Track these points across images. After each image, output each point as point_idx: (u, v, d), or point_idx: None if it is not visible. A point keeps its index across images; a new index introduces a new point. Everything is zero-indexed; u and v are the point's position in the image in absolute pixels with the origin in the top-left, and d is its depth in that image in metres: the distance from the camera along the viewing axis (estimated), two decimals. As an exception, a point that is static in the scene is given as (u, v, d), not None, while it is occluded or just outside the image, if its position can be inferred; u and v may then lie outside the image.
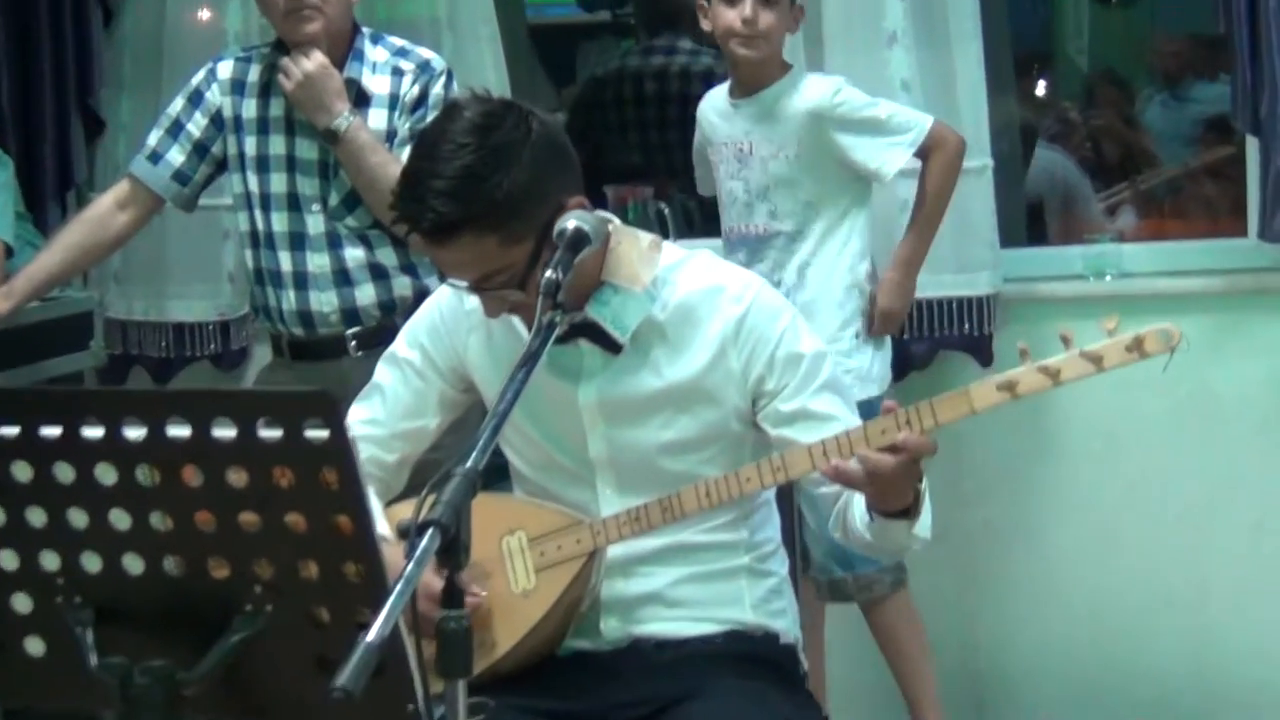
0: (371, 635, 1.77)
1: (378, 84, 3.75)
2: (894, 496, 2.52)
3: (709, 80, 5.16)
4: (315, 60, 3.67)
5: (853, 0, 4.23)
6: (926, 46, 4.16)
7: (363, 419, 2.87)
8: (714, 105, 4.03)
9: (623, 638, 2.75)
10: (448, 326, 2.81)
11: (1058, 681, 4.39)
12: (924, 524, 2.61)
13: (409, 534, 1.93)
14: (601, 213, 2.69)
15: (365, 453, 2.84)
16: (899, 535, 2.60)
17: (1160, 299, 4.19)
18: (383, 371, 2.89)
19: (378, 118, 3.73)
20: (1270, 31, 3.96)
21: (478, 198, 2.46)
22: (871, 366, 3.93)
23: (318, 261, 3.76)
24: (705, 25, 3.90)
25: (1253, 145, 4.19)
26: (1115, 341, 2.44)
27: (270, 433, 1.95)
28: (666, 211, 4.39)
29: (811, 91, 3.90)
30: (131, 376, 4.76)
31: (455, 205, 2.46)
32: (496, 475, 3.41)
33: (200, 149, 3.85)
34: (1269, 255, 4.18)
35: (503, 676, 2.71)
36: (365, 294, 3.77)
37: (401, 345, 2.87)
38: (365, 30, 3.82)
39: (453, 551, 1.95)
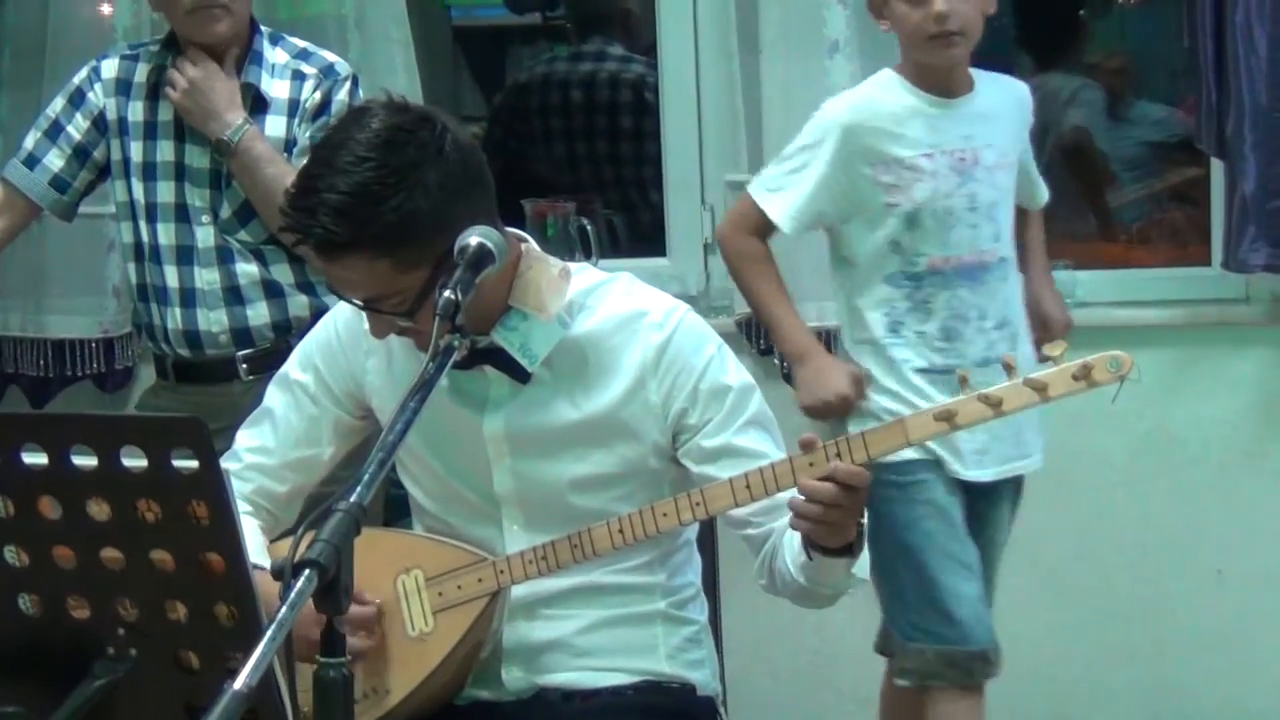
0: (238, 683, 1.76)
1: (277, 89, 3.74)
2: (837, 530, 2.52)
3: (639, 89, 5.20)
4: (203, 66, 3.66)
5: (792, 6, 4.24)
6: (870, 56, 4.15)
7: (251, 446, 2.87)
8: (890, 108, 3.52)
9: (526, 688, 2.76)
10: (344, 347, 2.81)
11: (1005, 740, 4.40)
12: (862, 564, 2.63)
13: (283, 575, 1.91)
14: (515, 231, 2.70)
15: (253, 483, 2.84)
16: (835, 575, 2.61)
17: (1117, 330, 4.21)
18: (273, 395, 2.88)
19: (276, 125, 3.72)
20: (1237, 49, 3.99)
21: (370, 220, 2.44)
22: None
23: (206, 277, 3.74)
24: (883, 26, 3.55)
25: (1217, 169, 4.23)
26: (1061, 369, 2.45)
27: (134, 462, 1.94)
28: (589, 229, 4.37)
29: (1015, 90, 3.67)
30: (6, 398, 4.72)
31: (345, 225, 2.44)
32: (396, 509, 3.42)
33: (81, 153, 3.82)
34: (1233, 286, 4.23)
35: (395, 728, 2.71)
36: (258, 313, 3.75)
37: (294, 366, 2.86)
38: (264, 30, 3.80)
39: (331, 594, 1.94)
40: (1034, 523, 4.30)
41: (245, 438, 2.88)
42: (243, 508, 2.81)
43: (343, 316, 2.81)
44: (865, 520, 2.56)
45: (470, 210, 2.49)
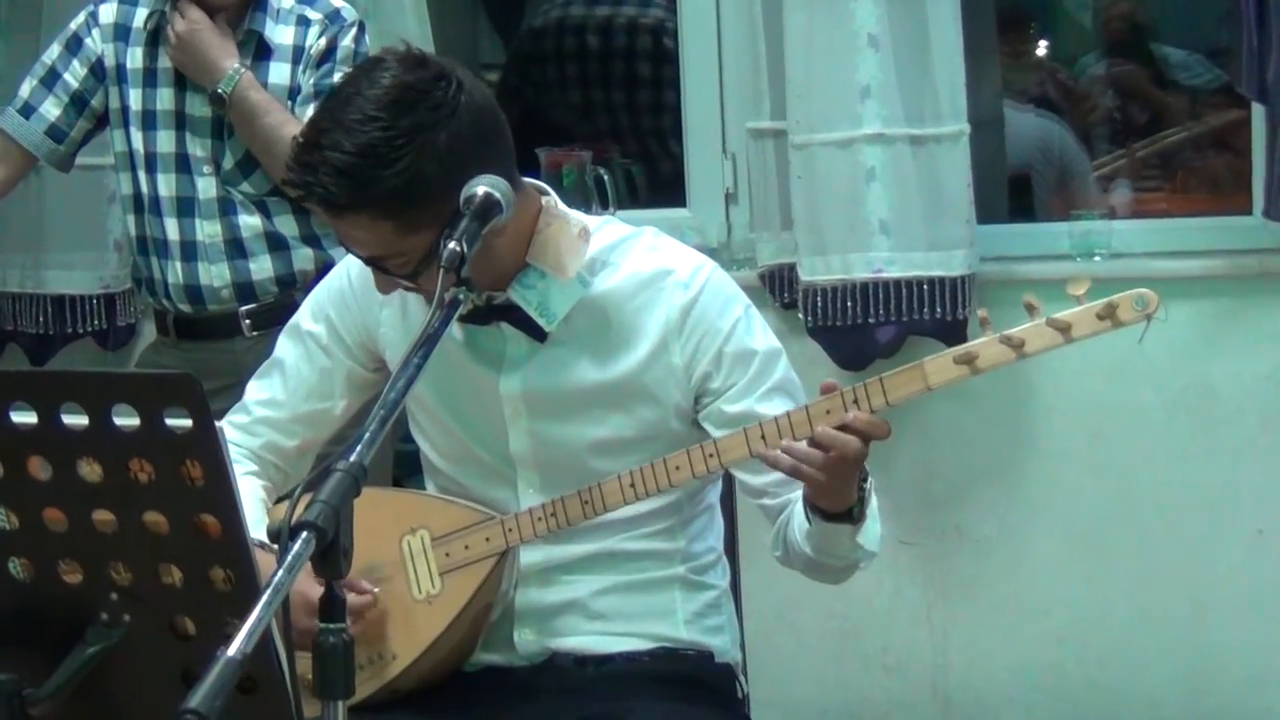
0: (232, 650, 1.75)
1: (281, 35, 3.73)
2: (836, 492, 2.51)
3: (658, 35, 5.17)
4: (191, 18, 3.64)
5: (816, -53, 4.21)
6: (898, -1, 4.15)
7: (260, 400, 2.86)
8: None
9: (539, 652, 2.75)
10: (358, 297, 2.78)
11: (1038, 707, 4.40)
12: (870, 534, 2.60)
13: (280, 538, 1.90)
14: (536, 183, 2.68)
15: (262, 438, 2.84)
16: (841, 543, 2.59)
17: (1153, 282, 4.10)
18: (284, 346, 2.86)
19: (280, 72, 3.71)
20: (1281, -9, 3.96)
21: (374, 182, 2.42)
22: None
23: (208, 230, 3.74)
24: None
25: (1259, 114, 4.19)
26: (1085, 309, 2.43)
27: (126, 421, 1.93)
28: (606, 179, 4.36)
29: None
30: (5, 356, 4.73)
31: (348, 185, 2.42)
32: (406, 464, 3.42)
33: (78, 101, 3.82)
34: (1275, 235, 4.19)
35: (403, 695, 2.71)
36: (261, 267, 3.75)
37: (305, 317, 2.84)
38: None
39: (330, 558, 1.93)
40: (1067, 482, 4.32)
41: (255, 390, 2.87)
42: (249, 466, 2.82)
43: (356, 265, 2.77)
44: (869, 485, 2.55)
45: (482, 170, 2.45)
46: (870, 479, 2.56)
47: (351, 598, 2.63)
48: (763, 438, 2.53)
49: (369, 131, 2.41)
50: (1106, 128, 5.67)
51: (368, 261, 2.53)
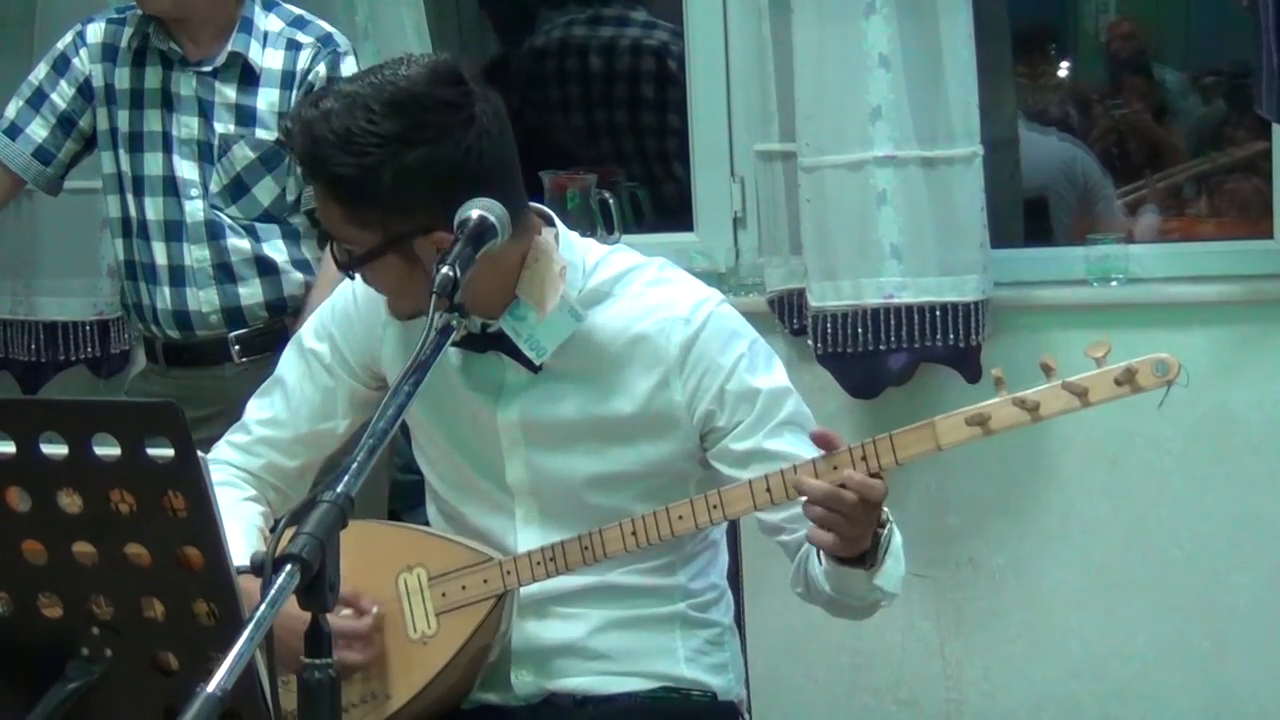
0: (212, 685, 1.74)
1: (269, 58, 3.74)
2: (849, 540, 2.49)
3: (662, 57, 5.17)
4: None
5: (826, -36, 4.20)
6: (909, 16, 4.13)
7: (261, 419, 2.85)
8: None
9: (536, 693, 2.74)
10: (362, 316, 2.79)
11: (1053, 744, 4.38)
12: (890, 575, 2.58)
13: (263, 569, 1.89)
14: (542, 209, 2.69)
15: (263, 459, 2.84)
16: (858, 586, 2.57)
17: (1173, 307, 4.18)
18: (287, 363, 2.86)
19: (269, 97, 3.72)
20: (1302, 9, 3.94)
21: (331, 162, 2.47)
22: None
23: (196, 254, 3.74)
24: None
25: (1279, 136, 4.18)
26: (1103, 373, 2.42)
27: (107, 450, 1.92)
28: (611, 202, 4.35)
29: None
30: (-4, 383, 4.73)
31: (311, 153, 2.49)
32: (405, 495, 3.41)
33: (66, 122, 3.82)
34: (1296, 260, 4.18)
35: (396, 733, 2.69)
36: (250, 291, 3.75)
37: (309, 334, 2.85)
38: None
39: (315, 591, 1.91)
40: (1085, 512, 4.31)
41: (255, 408, 2.87)
42: (248, 491, 2.82)
43: (362, 285, 2.78)
44: (887, 530, 2.53)
45: (447, 212, 2.43)
46: (891, 522, 2.55)
47: (350, 621, 2.63)
48: (768, 490, 2.52)
49: (356, 119, 2.46)
50: (1120, 162, 5.68)
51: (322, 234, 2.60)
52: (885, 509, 2.51)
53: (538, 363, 2.63)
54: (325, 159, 2.46)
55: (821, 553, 2.56)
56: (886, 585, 2.58)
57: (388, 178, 2.45)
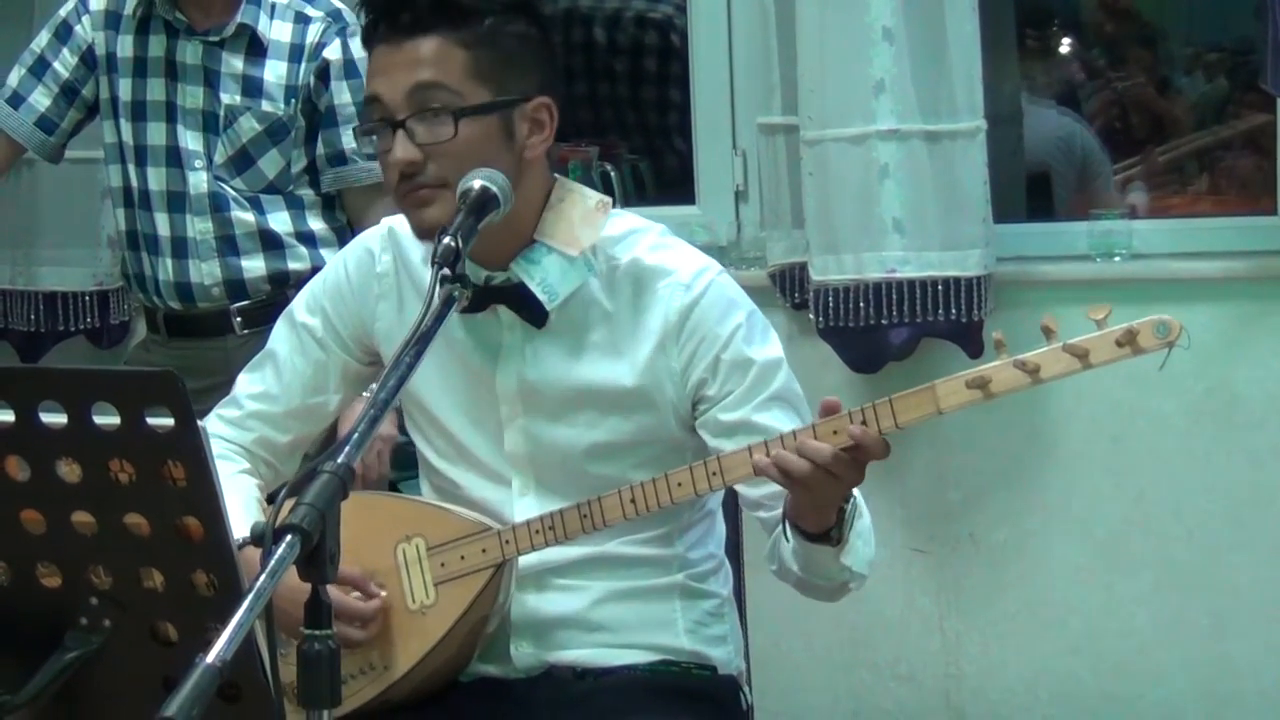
0: (211, 656, 1.73)
1: (277, 30, 3.72)
2: (815, 509, 2.49)
3: (665, 31, 5.16)
4: None
5: (829, -63, 4.19)
6: (913, -12, 4.13)
7: (253, 393, 2.85)
8: None
9: (536, 664, 2.74)
10: (354, 289, 2.78)
11: (1053, 718, 4.38)
12: (858, 555, 2.57)
13: (263, 540, 1.89)
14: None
15: (255, 433, 2.84)
16: (826, 564, 2.57)
17: (1176, 284, 4.18)
18: (278, 337, 2.86)
19: (276, 69, 3.70)
20: (1309, -17, 3.93)
21: (469, 10, 2.53)
22: None
23: (199, 226, 3.73)
24: None
25: (1283, 111, 4.18)
26: (1104, 334, 2.40)
27: (106, 420, 1.92)
28: (613, 175, 4.35)
29: None
30: (-5, 353, 4.73)
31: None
32: (403, 462, 3.39)
33: (68, 91, 3.81)
34: (1300, 236, 4.18)
35: (396, 705, 2.69)
36: (253, 264, 3.75)
37: (300, 308, 2.84)
38: None
39: (316, 562, 1.91)
40: (1085, 488, 4.30)
41: (246, 383, 2.86)
42: (242, 464, 2.82)
43: (354, 257, 2.79)
44: (851, 506, 2.52)
45: (540, 81, 2.60)
46: (855, 501, 2.54)
47: (358, 602, 2.64)
48: (768, 455, 2.50)
49: None
50: (1123, 136, 5.67)
51: (408, 96, 2.52)
52: (856, 491, 2.51)
53: (550, 307, 2.61)
54: (465, 6, 2.53)
55: (789, 530, 2.55)
56: (855, 565, 2.57)
57: (517, 31, 2.55)
